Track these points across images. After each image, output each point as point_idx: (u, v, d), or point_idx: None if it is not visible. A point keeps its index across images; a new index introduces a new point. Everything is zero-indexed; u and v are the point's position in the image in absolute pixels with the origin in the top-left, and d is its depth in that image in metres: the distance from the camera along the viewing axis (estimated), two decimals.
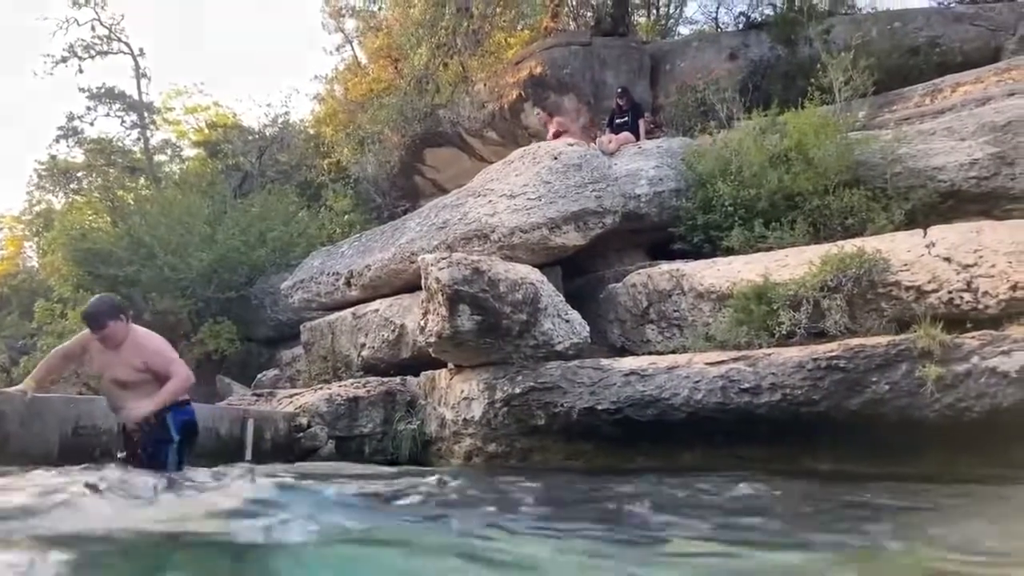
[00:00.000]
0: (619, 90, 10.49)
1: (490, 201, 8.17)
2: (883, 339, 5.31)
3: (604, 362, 6.43)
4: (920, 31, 12.22)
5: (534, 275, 6.91)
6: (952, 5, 13.53)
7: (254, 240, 13.59)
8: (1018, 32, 11.57)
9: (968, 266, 5.68)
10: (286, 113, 20.93)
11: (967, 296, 5.59)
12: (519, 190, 8.04)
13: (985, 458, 4.93)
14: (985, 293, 5.50)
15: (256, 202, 15.40)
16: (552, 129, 11.13)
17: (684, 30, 17.70)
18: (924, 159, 7.69)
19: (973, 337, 5.04)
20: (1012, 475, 4.54)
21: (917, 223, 6.89)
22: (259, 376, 11.19)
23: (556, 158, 8.27)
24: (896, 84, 10.84)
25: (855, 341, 5.40)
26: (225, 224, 13.83)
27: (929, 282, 5.77)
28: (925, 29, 12.27)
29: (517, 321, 6.60)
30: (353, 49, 20.50)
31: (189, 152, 22.16)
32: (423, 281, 6.71)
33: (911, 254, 6.01)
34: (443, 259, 6.48)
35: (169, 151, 22.31)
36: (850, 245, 6.25)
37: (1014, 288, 5.36)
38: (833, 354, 5.34)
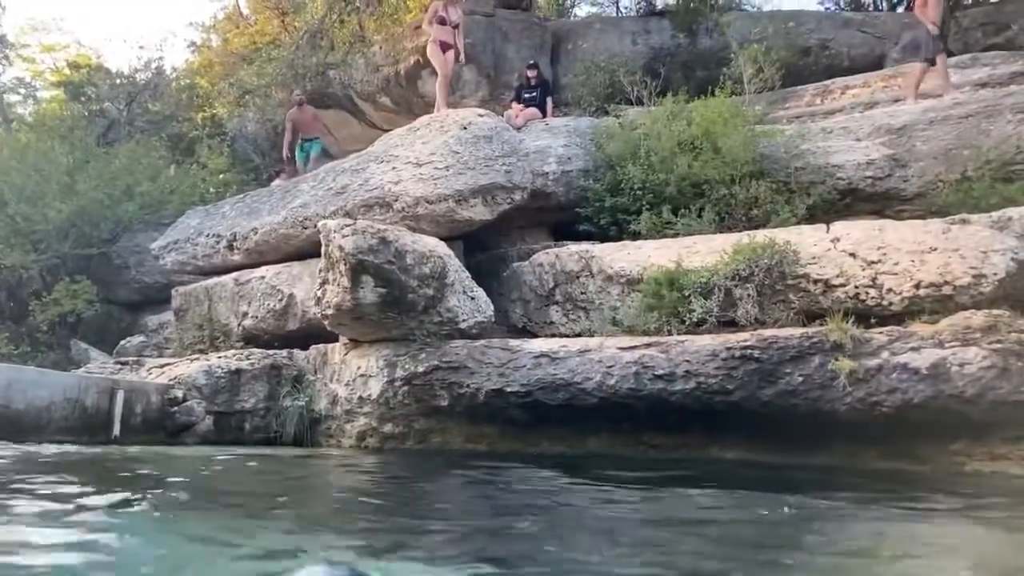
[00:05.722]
0: (531, 63, 10.21)
1: (394, 168, 7.71)
2: (796, 331, 5.33)
3: (513, 343, 6.19)
4: (812, 33, 12.67)
5: (442, 248, 6.57)
6: (841, 11, 14.10)
7: (119, 194, 12.39)
8: (901, 41, 12.14)
9: (873, 263, 5.78)
10: (160, 58, 19.37)
11: (872, 292, 5.70)
12: (426, 158, 7.62)
13: (888, 452, 5.06)
14: (889, 290, 5.61)
15: (122, 153, 14.10)
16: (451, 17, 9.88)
17: (582, 12, 17.73)
18: (824, 156, 7.87)
19: (881, 332, 5.13)
20: (900, 471, 4.67)
21: (817, 218, 7.02)
22: (122, 342, 10.24)
23: (465, 128, 7.91)
24: (788, 82, 11.14)
25: (769, 332, 5.41)
26: (87, 174, 12.54)
27: (837, 276, 5.84)
28: (816, 31, 12.75)
29: (423, 296, 6.26)
30: None
31: (46, 93, 20.13)
32: (323, 248, 6.23)
33: (818, 248, 6.06)
34: (347, 226, 6.02)
35: (23, 91, 20.19)
36: (761, 235, 6.26)
37: (917, 287, 5.49)
38: (747, 344, 5.31)
